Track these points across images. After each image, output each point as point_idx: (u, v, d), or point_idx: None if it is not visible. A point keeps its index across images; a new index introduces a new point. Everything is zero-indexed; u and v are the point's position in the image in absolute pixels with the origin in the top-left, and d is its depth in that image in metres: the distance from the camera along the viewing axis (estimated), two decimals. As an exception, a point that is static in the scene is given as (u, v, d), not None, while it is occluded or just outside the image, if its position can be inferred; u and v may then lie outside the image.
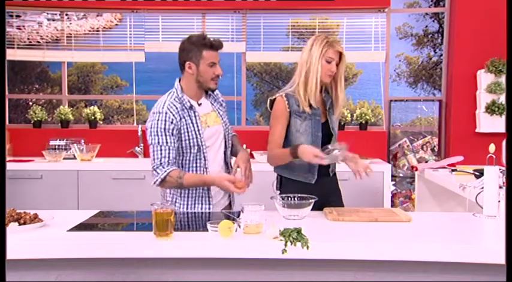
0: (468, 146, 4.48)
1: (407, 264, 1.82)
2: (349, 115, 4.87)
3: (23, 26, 4.99)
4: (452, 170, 3.31)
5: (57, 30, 5.01)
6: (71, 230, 1.98)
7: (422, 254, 1.78)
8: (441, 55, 5.09)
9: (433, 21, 5.37)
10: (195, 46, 2.42)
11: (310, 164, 2.48)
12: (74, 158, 4.50)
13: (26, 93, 5.50)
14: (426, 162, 4.76)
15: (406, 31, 5.39)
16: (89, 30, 5.10)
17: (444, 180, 3.20)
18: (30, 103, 5.40)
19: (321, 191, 2.46)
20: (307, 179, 2.56)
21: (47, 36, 5.01)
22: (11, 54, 4.89)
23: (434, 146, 4.90)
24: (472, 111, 4.66)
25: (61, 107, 4.96)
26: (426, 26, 5.36)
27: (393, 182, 4.83)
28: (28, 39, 5.00)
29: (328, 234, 1.97)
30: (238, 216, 2.12)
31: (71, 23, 5.03)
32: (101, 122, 5.02)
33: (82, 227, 2.05)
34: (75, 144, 4.55)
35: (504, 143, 2.79)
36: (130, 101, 5.33)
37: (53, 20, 5.03)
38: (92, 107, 4.96)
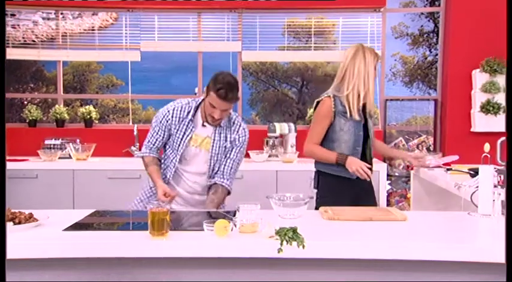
0: (463, 145, 4.49)
1: (403, 263, 1.82)
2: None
3: (18, 25, 4.97)
4: (448, 169, 3.32)
5: (52, 29, 4.99)
6: (67, 229, 1.98)
7: (417, 253, 1.79)
8: (436, 55, 5.10)
9: (429, 20, 5.39)
10: (212, 84, 2.52)
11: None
12: (70, 157, 4.49)
13: (21, 92, 5.49)
14: (421, 161, 4.76)
15: (402, 31, 5.40)
16: (85, 29, 5.08)
17: (439, 180, 3.21)
18: (25, 102, 5.39)
19: (361, 185, 2.71)
20: (349, 174, 2.70)
21: (42, 35, 4.99)
22: (6, 53, 4.86)
23: (430, 145, 4.91)
24: (467, 110, 4.68)
25: (56, 106, 4.94)
26: (421, 26, 5.38)
27: (389, 181, 4.84)
28: (23, 38, 4.98)
29: (323, 233, 1.97)
30: (234, 215, 2.13)
31: (66, 22, 5.01)
32: (97, 121, 5.00)
33: (77, 226, 2.04)
34: (70, 144, 4.53)
35: (499, 142, 2.81)
36: (126, 100, 5.32)
37: (48, 19, 5.01)
38: (87, 106, 4.94)
